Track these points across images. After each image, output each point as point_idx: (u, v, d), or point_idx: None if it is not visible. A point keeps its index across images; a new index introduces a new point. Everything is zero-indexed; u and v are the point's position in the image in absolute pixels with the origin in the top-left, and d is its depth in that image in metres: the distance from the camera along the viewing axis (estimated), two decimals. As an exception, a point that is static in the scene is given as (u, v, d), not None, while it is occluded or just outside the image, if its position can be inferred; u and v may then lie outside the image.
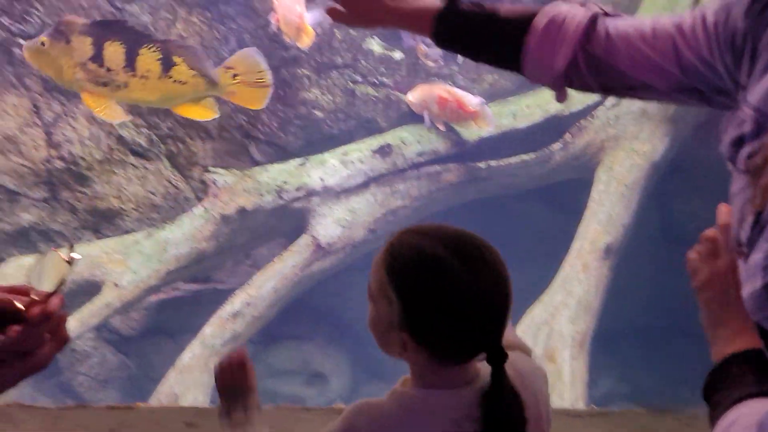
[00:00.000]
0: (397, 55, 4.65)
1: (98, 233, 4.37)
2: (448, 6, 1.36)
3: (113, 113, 3.21)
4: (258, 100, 3.20)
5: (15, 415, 2.72)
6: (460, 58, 4.74)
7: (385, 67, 4.68)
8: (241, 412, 1.47)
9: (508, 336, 1.42)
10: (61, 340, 0.91)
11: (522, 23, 1.31)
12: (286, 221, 4.36)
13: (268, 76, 3.11)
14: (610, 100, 4.52)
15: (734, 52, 1.09)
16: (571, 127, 4.53)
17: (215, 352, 4.01)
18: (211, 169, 4.34)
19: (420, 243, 1.23)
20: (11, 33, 4.14)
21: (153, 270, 4.09)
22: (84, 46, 2.96)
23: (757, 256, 0.92)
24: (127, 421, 2.78)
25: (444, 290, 1.21)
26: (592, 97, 4.53)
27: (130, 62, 2.98)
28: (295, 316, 4.49)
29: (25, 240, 4.29)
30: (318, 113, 4.60)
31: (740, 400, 0.99)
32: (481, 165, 4.54)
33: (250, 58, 3.10)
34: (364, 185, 4.40)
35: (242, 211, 4.21)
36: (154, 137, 4.44)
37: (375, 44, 4.67)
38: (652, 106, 4.32)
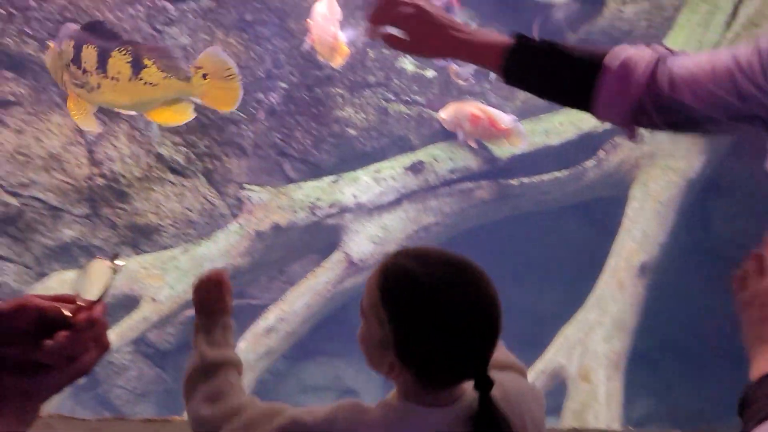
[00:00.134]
0: (430, 73, 4.67)
1: (137, 249, 4.46)
2: (520, 41, 1.35)
3: (87, 122, 3.20)
4: (229, 101, 3.07)
5: (56, 426, 2.78)
6: (492, 75, 4.74)
7: (418, 86, 4.70)
8: (219, 331, 1.48)
9: (500, 356, 1.42)
10: (103, 346, 0.94)
11: (593, 63, 1.32)
12: (320, 238, 4.39)
13: (237, 75, 2.99)
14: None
15: None
16: (605, 144, 4.49)
17: (249, 367, 4.04)
18: (246, 186, 4.40)
19: (414, 267, 1.23)
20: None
21: (189, 285, 4.14)
22: (69, 48, 2.99)
23: None
24: (163, 434, 2.80)
25: (434, 317, 1.20)
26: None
27: (102, 64, 2.96)
28: (327, 332, 4.50)
29: (67, 255, 4.40)
30: (351, 131, 4.64)
31: None
32: (514, 182, 4.52)
33: (217, 57, 2.97)
34: (397, 202, 4.41)
35: (276, 228, 4.25)
36: (192, 155, 4.52)
37: (408, 63, 4.70)
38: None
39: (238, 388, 1.39)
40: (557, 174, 4.49)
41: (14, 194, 4.28)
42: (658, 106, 1.29)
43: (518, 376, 1.38)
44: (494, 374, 1.30)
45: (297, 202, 4.32)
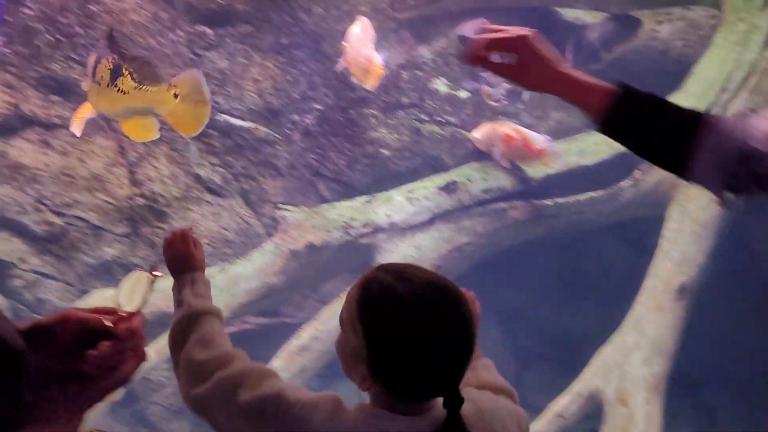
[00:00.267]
0: (463, 94, 4.68)
1: (174, 267, 4.53)
2: (626, 90, 1.31)
3: (75, 125, 3.28)
4: (192, 127, 3.04)
5: (94, 441, 2.82)
6: (525, 95, 4.73)
7: (451, 106, 4.71)
8: (201, 285, 1.50)
9: (490, 379, 1.41)
10: (141, 356, 0.96)
11: (694, 123, 1.29)
12: (353, 257, 4.40)
13: (209, 104, 2.95)
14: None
15: None
16: (642, 163, 4.43)
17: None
18: (281, 206, 4.44)
19: (394, 284, 1.23)
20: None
21: (225, 303, 4.19)
22: (91, 60, 3.09)
23: None
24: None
25: (408, 335, 1.20)
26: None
27: (93, 70, 3.01)
28: (360, 352, 4.48)
29: (108, 273, 4.49)
30: (385, 151, 4.66)
31: None
32: (548, 202, 4.47)
33: (194, 80, 2.94)
34: (430, 222, 4.40)
35: (310, 247, 4.28)
36: (228, 175, 4.60)
37: (441, 84, 4.72)
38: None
39: (226, 336, 1.43)
40: (592, 194, 4.43)
41: (59, 214, 4.40)
42: (749, 170, 1.26)
43: (496, 396, 1.38)
44: (470, 392, 1.31)
45: (331, 221, 4.34)
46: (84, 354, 0.91)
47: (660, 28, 4.66)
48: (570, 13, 4.72)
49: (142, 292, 0.96)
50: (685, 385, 4.25)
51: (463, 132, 4.64)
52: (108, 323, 0.93)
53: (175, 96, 2.90)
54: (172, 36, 4.38)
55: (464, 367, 1.24)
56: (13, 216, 4.31)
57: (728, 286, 4.37)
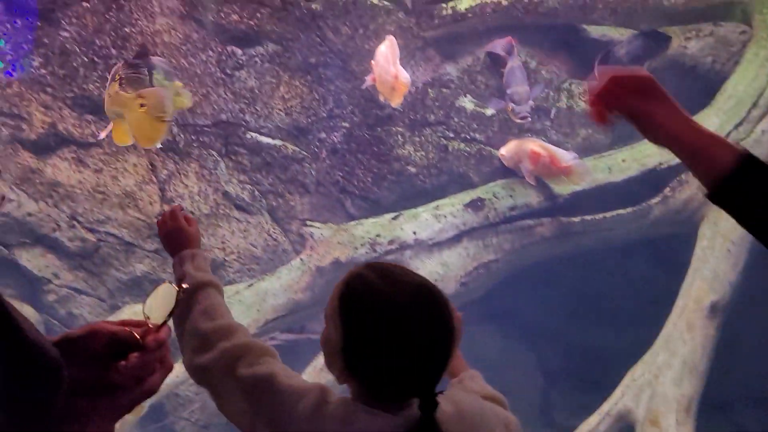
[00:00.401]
0: (489, 111, 4.67)
1: (203, 283, 4.56)
2: (749, 157, 1.20)
3: (104, 132, 3.40)
4: (150, 139, 3.09)
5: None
6: (553, 112, 4.71)
7: (477, 123, 4.70)
8: (200, 259, 1.52)
9: (474, 387, 1.40)
10: (168, 367, 0.96)
11: None
12: (380, 274, 4.38)
13: (169, 122, 3.01)
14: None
15: None
16: (672, 180, 4.36)
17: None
18: (308, 222, 4.46)
19: (375, 281, 1.23)
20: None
21: (252, 319, 4.21)
22: None
23: None
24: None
25: (383, 332, 1.20)
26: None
27: (113, 75, 3.17)
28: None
29: (138, 289, 4.54)
30: (411, 169, 4.66)
31: None
32: (575, 219, 4.42)
33: (159, 96, 3.01)
34: (456, 239, 4.38)
35: (337, 264, 4.28)
36: (257, 192, 4.63)
37: (467, 101, 4.71)
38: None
39: (227, 308, 1.47)
40: (621, 211, 4.38)
41: (92, 230, 4.47)
42: None
43: (483, 401, 1.38)
44: (454, 394, 1.30)
45: (357, 238, 4.34)
46: (114, 366, 0.92)
47: (689, 44, 4.61)
48: (597, 30, 4.69)
49: (169, 305, 0.97)
50: (717, 406, 4.14)
51: (490, 149, 4.62)
52: (136, 335, 0.94)
53: (141, 106, 2.97)
54: (203, 56, 4.45)
55: (439, 371, 1.23)
56: (48, 232, 4.39)
57: (760, 304, 4.26)
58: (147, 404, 3.89)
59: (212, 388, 1.39)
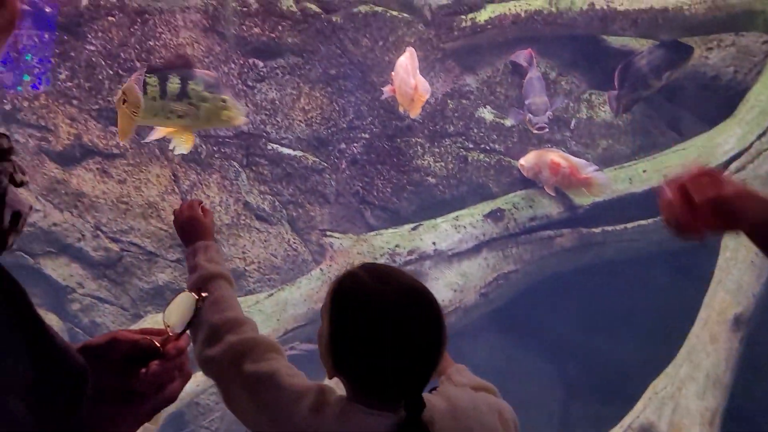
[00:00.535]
0: (509, 122, 4.66)
1: (224, 293, 4.58)
2: None
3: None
4: (122, 131, 3.20)
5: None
6: (573, 123, 4.68)
7: (497, 134, 4.69)
8: (213, 251, 1.53)
9: (461, 381, 1.39)
10: (187, 375, 0.96)
11: None
12: (399, 284, 4.37)
13: (137, 116, 3.11)
14: (735, 164, 4.27)
15: None
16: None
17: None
18: (328, 233, 4.46)
19: (367, 281, 1.23)
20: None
21: (272, 329, 4.22)
22: None
23: None
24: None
25: (370, 331, 1.20)
26: (715, 161, 4.30)
27: None
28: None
29: (161, 298, 4.57)
30: (431, 179, 4.65)
31: None
32: (596, 230, 4.38)
33: (135, 92, 3.11)
34: (476, 249, 4.35)
35: (357, 274, 4.27)
36: (277, 203, 4.65)
37: (487, 112, 4.70)
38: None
39: (237, 301, 1.47)
40: (642, 222, 4.33)
41: (115, 240, 4.51)
42: None
43: (475, 393, 1.37)
44: (447, 390, 1.31)
45: (377, 248, 4.34)
46: (135, 373, 0.92)
47: (710, 55, 4.56)
48: (617, 41, 4.66)
49: (189, 313, 0.97)
50: (740, 420, 4.06)
51: (509, 160, 4.60)
52: (157, 343, 0.95)
53: (123, 102, 3.08)
54: (225, 68, 4.49)
55: (426, 374, 1.23)
56: (73, 242, 4.44)
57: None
58: (166, 413, 3.90)
59: (219, 380, 1.40)
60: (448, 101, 4.61)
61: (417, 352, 1.21)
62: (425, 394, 1.27)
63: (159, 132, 3.28)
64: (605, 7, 4.40)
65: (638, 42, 4.59)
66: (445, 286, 4.25)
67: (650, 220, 4.29)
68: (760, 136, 4.20)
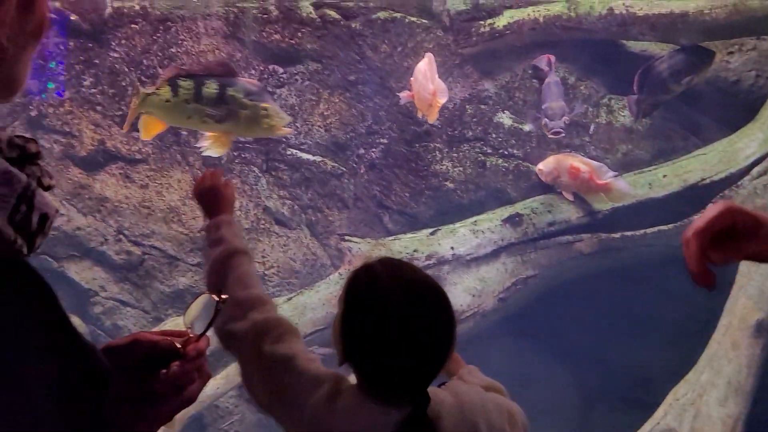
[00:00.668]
0: (527, 127, 4.64)
1: (244, 296, 4.61)
2: None
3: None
4: (127, 122, 3.37)
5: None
6: (592, 128, 4.64)
7: (515, 139, 4.67)
8: (237, 225, 1.54)
9: (472, 381, 1.38)
10: (207, 377, 0.97)
11: None
12: (417, 289, 4.36)
13: (134, 107, 3.24)
14: (757, 168, 4.21)
15: None
16: (714, 196, 4.25)
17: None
18: (347, 237, 4.47)
19: (381, 275, 1.24)
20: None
21: (291, 333, 4.23)
22: None
23: None
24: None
25: (378, 323, 1.22)
26: (736, 166, 4.24)
27: None
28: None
29: (181, 301, 4.60)
30: (449, 184, 4.64)
31: None
32: (615, 235, 4.34)
33: (138, 86, 3.27)
34: (494, 254, 4.33)
35: (375, 279, 4.27)
36: (296, 207, 4.67)
37: (505, 117, 4.69)
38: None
39: (258, 278, 1.49)
40: (662, 227, 4.28)
41: (137, 244, 4.56)
42: None
43: (485, 392, 1.37)
44: (456, 386, 1.31)
45: (395, 253, 4.33)
46: (155, 374, 0.93)
47: (731, 59, 4.51)
48: (636, 45, 4.62)
49: (209, 315, 0.98)
50: (763, 427, 3.99)
51: (528, 164, 4.58)
52: (177, 344, 0.95)
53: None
54: (246, 74, 4.53)
55: (432, 370, 1.24)
56: (96, 246, 4.49)
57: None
58: (185, 416, 3.92)
59: (238, 355, 1.41)
60: (467, 106, 4.60)
61: (422, 348, 1.22)
62: (434, 389, 1.28)
63: (205, 138, 3.33)
64: (624, 12, 4.37)
65: (658, 46, 4.54)
66: (463, 291, 4.23)
67: (670, 226, 4.24)
68: None
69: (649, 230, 4.27)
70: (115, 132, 4.49)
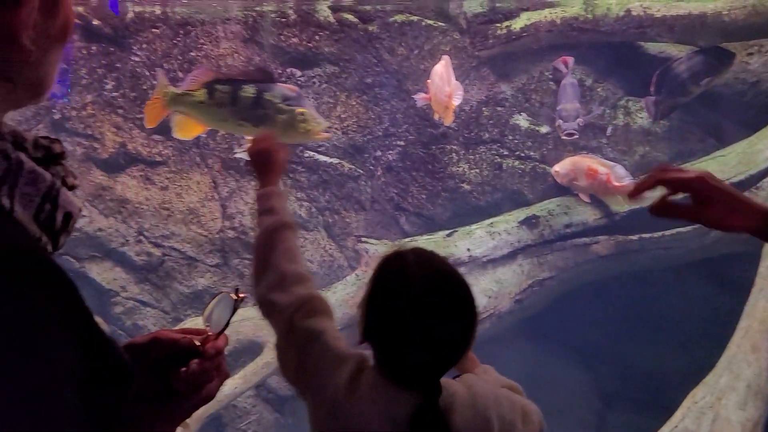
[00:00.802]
0: (544, 129, 4.61)
1: (261, 297, 4.63)
2: None
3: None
4: (148, 119, 3.41)
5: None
6: (609, 130, 4.60)
7: (532, 141, 4.64)
8: (286, 196, 1.56)
9: (489, 378, 1.38)
10: (225, 375, 0.98)
11: None
12: (433, 290, 4.35)
13: (154, 103, 3.29)
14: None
15: None
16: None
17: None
18: (363, 239, 4.47)
19: (410, 263, 1.27)
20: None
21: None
22: None
23: None
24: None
25: (398, 309, 1.24)
26: (755, 167, 4.18)
27: None
28: (440, 385, 4.40)
29: (200, 302, 4.63)
30: (465, 186, 4.63)
31: None
32: (633, 237, 4.30)
33: (163, 81, 3.31)
34: (511, 256, 4.31)
35: (392, 280, 4.27)
36: (313, 209, 4.68)
37: (522, 119, 4.67)
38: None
39: (302, 254, 1.54)
40: (680, 229, 4.23)
41: (157, 245, 4.60)
42: None
43: (499, 388, 1.38)
44: (469, 378, 1.32)
45: (412, 255, 4.32)
46: (175, 372, 0.93)
47: (750, 60, 4.45)
48: (654, 47, 4.58)
49: (227, 314, 0.99)
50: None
51: (544, 166, 4.56)
52: (197, 342, 0.96)
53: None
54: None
55: (446, 363, 1.26)
56: (117, 247, 4.53)
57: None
58: (205, 415, 3.94)
59: (275, 325, 1.44)
60: (483, 109, 4.59)
61: (439, 338, 1.23)
62: (448, 380, 1.29)
63: (245, 142, 3.37)
64: (642, 14, 4.33)
65: (676, 48, 4.50)
66: (479, 293, 4.22)
67: (688, 228, 4.19)
68: None
69: (666, 232, 4.22)
70: (136, 135, 4.54)
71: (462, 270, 4.54)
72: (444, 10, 4.55)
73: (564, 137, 4.08)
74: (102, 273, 4.52)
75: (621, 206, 4.26)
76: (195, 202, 4.56)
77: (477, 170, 4.59)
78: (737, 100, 4.50)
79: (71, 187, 0.81)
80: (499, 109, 4.60)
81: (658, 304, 4.55)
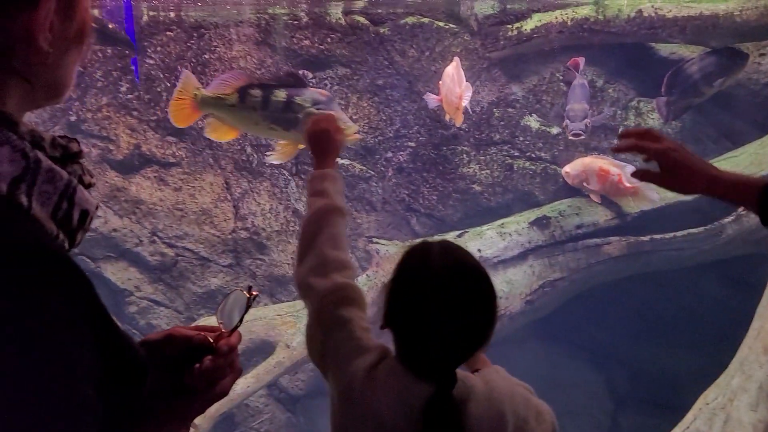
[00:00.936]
0: (555, 130, 4.59)
1: (273, 297, 4.64)
2: None
3: None
4: (177, 119, 3.36)
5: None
6: (620, 131, 4.57)
7: (543, 142, 4.63)
8: (340, 181, 1.56)
9: (502, 377, 1.38)
10: (238, 372, 0.98)
11: None
12: (444, 291, 4.34)
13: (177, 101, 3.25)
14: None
15: None
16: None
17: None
18: (374, 240, 4.48)
19: (434, 254, 1.27)
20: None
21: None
22: None
23: None
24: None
25: (417, 297, 1.25)
26: (767, 168, 4.15)
27: None
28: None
29: (213, 302, 4.66)
30: (476, 187, 4.62)
31: None
32: (644, 238, 4.28)
33: (189, 80, 3.26)
34: (522, 257, 4.30)
35: (403, 280, 4.27)
36: (325, 210, 4.69)
37: (532, 121, 4.65)
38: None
39: (347, 241, 1.53)
40: (692, 230, 4.20)
41: (170, 245, 4.63)
42: None
43: (515, 387, 1.38)
44: (487, 373, 1.33)
45: (423, 255, 4.32)
46: (189, 369, 0.94)
47: (763, 61, 4.42)
48: (666, 48, 4.55)
49: (240, 311, 1.00)
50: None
51: (555, 167, 4.54)
52: (210, 339, 0.97)
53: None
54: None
55: (462, 355, 1.27)
56: (131, 247, 4.57)
57: None
58: (218, 414, 3.95)
59: (311, 307, 1.45)
60: (494, 110, 4.58)
61: (457, 329, 1.24)
62: (466, 373, 1.30)
63: (277, 148, 3.37)
64: (653, 15, 4.31)
65: (688, 48, 4.47)
66: (490, 293, 4.21)
67: (700, 229, 4.17)
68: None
69: (678, 233, 4.20)
70: (150, 136, 4.57)
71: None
72: (455, 12, 4.55)
73: (571, 137, 4.07)
74: (116, 273, 4.55)
75: (632, 207, 4.24)
76: (208, 202, 4.59)
77: (488, 171, 4.58)
78: (750, 100, 4.46)
79: (88, 186, 0.82)
80: (510, 110, 4.59)
81: (670, 305, 4.52)
